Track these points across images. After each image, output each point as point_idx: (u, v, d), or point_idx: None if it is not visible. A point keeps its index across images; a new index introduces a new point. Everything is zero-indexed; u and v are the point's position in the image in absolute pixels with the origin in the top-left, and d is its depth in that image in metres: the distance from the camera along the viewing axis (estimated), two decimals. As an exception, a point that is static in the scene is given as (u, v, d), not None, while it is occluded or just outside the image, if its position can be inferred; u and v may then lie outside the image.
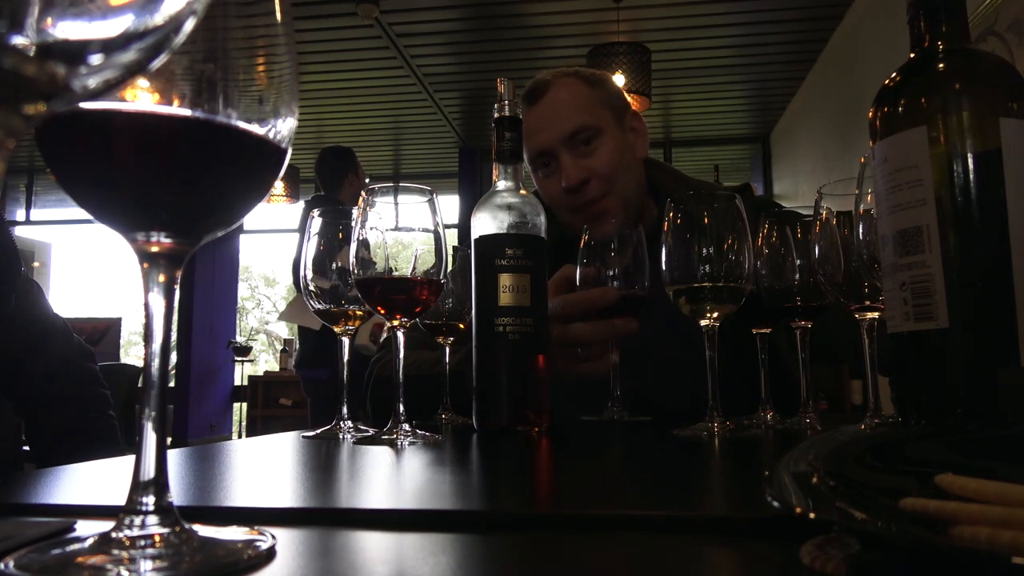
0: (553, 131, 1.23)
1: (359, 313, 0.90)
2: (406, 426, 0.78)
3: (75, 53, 0.21)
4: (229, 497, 0.45)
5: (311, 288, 0.88)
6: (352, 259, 0.81)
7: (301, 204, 6.39)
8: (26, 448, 1.48)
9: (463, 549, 0.33)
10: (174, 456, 0.64)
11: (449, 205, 6.88)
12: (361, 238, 0.81)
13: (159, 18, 0.22)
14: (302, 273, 0.89)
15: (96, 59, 0.22)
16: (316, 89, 5.30)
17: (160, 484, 0.31)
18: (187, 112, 0.31)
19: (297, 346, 3.68)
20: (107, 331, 5.37)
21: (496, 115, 0.94)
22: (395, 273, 0.81)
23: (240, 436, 6.54)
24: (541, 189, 1.30)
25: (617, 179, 1.24)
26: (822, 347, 1.00)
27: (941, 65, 0.55)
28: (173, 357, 6.10)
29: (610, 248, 1.02)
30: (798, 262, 0.92)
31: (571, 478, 0.57)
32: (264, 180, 0.35)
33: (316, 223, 0.90)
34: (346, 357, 0.91)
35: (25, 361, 1.35)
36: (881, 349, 0.77)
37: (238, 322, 7.58)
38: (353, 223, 0.82)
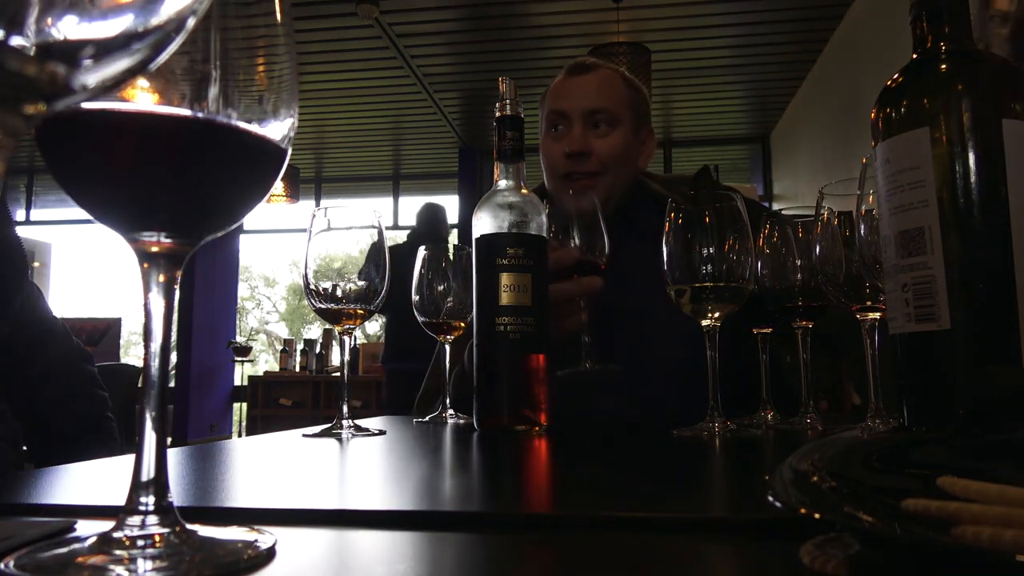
0: (580, 100, 1.34)
1: (360, 312, 0.90)
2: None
3: (75, 53, 0.21)
4: (229, 497, 0.45)
5: (311, 287, 0.89)
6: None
7: (301, 204, 6.41)
8: (25, 448, 1.48)
9: (463, 549, 0.33)
10: (174, 456, 0.64)
11: (449, 205, 6.87)
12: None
13: (160, 18, 0.22)
14: (303, 271, 0.89)
15: (96, 59, 0.22)
16: (316, 89, 5.30)
17: (160, 484, 0.31)
18: (187, 112, 0.31)
19: (383, 341, 4.43)
20: (107, 331, 5.38)
21: (498, 114, 0.94)
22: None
23: (240, 436, 6.54)
24: (544, 148, 1.39)
25: (611, 168, 1.34)
26: (823, 338, 1.01)
27: (943, 66, 0.55)
28: (173, 357, 6.10)
29: (572, 221, 1.06)
30: (799, 263, 0.92)
31: (571, 478, 0.57)
32: (264, 180, 0.35)
33: (319, 223, 0.90)
34: (347, 357, 0.91)
35: (24, 364, 1.35)
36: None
37: (238, 322, 7.59)
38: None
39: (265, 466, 0.62)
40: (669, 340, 1.21)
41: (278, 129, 0.34)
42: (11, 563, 0.28)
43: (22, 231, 1.44)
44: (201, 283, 6.58)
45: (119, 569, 0.27)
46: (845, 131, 4.30)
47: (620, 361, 1.07)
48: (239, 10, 0.33)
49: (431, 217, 4.44)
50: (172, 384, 6.12)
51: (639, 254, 1.11)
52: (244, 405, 6.61)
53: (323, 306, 0.89)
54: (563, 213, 1.05)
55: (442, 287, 1.10)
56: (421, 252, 1.12)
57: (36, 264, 6.89)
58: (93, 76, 0.22)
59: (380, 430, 0.88)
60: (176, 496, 0.32)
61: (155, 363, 0.33)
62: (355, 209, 0.91)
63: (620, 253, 1.20)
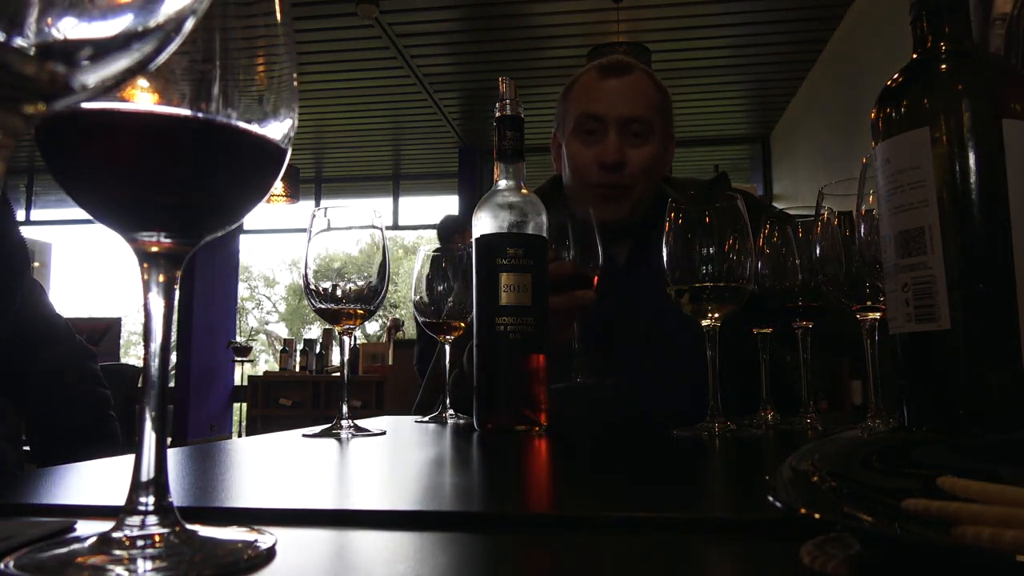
0: (617, 107, 1.30)
1: (360, 312, 0.90)
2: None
3: (75, 53, 0.21)
4: (229, 497, 0.45)
5: (311, 287, 0.89)
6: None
7: (301, 204, 6.41)
8: (27, 448, 1.48)
9: (463, 549, 0.33)
10: (174, 456, 0.64)
11: (449, 205, 6.88)
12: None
13: (159, 18, 0.22)
14: (303, 271, 0.89)
15: (96, 59, 0.22)
16: (316, 89, 5.30)
17: (160, 484, 0.31)
18: (187, 112, 0.31)
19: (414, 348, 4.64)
20: (107, 331, 5.37)
21: (498, 114, 0.94)
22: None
23: (240, 436, 6.53)
24: (571, 151, 1.35)
25: (641, 180, 1.31)
26: (823, 338, 1.01)
27: (943, 66, 0.55)
28: (173, 357, 6.10)
29: (566, 233, 1.06)
30: (799, 262, 0.92)
31: (571, 478, 0.57)
32: (264, 180, 0.35)
33: (319, 223, 0.90)
34: (347, 357, 0.91)
35: (27, 361, 1.35)
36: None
37: (238, 322, 7.59)
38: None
39: (265, 466, 0.62)
40: (691, 346, 1.19)
41: (278, 129, 0.34)
42: (11, 563, 0.28)
43: (22, 231, 1.44)
44: (201, 283, 6.58)
45: (119, 569, 0.27)
46: (845, 131, 4.30)
47: (648, 367, 1.06)
48: (239, 10, 0.33)
49: (442, 231, 4.50)
50: (172, 384, 6.12)
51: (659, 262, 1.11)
52: (244, 405, 6.61)
53: (323, 306, 0.89)
54: (559, 224, 1.04)
55: (442, 287, 1.10)
56: (421, 252, 1.12)
57: (36, 264, 6.88)
58: (93, 76, 0.22)
59: (380, 430, 0.88)
60: (176, 496, 0.32)
61: (155, 363, 0.33)
62: (355, 209, 0.91)
63: (644, 261, 1.19)
